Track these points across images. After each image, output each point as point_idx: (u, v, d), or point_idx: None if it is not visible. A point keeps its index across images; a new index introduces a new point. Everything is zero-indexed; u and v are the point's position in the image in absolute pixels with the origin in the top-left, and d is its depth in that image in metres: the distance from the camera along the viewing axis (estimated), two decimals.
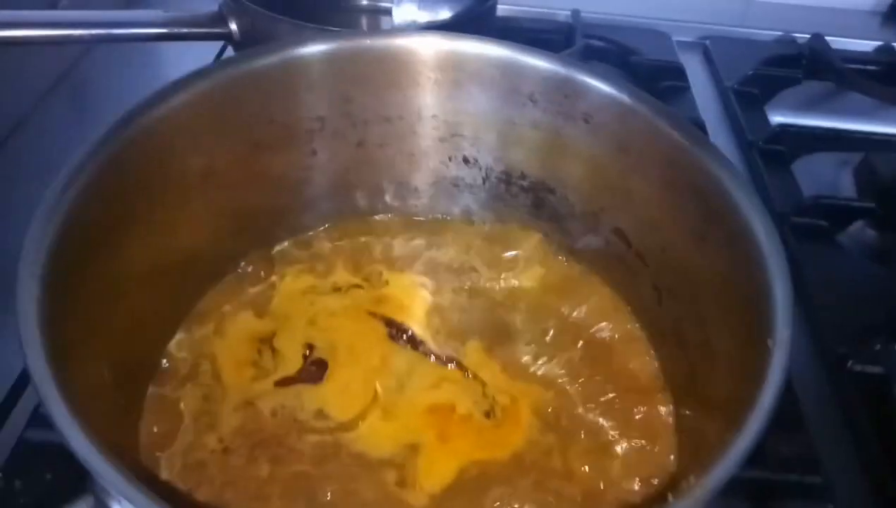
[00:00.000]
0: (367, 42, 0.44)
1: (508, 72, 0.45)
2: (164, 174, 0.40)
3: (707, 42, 0.87)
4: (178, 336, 0.44)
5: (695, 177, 0.39)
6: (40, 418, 0.43)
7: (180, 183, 0.42)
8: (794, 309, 0.31)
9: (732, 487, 0.27)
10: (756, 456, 0.43)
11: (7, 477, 0.41)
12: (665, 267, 0.43)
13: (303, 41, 0.43)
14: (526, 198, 0.50)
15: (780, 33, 0.88)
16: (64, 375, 0.28)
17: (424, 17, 0.65)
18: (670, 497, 0.26)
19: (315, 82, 0.44)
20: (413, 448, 0.41)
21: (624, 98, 0.42)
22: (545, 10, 0.86)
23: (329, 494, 0.38)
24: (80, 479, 0.41)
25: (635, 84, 0.44)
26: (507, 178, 0.50)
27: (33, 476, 0.41)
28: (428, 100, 0.47)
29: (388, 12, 0.76)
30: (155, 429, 0.40)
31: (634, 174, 0.43)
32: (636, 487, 0.39)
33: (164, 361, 0.43)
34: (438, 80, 0.46)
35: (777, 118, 0.77)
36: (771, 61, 0.81)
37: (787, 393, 0.47)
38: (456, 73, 0.46)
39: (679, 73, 0.79)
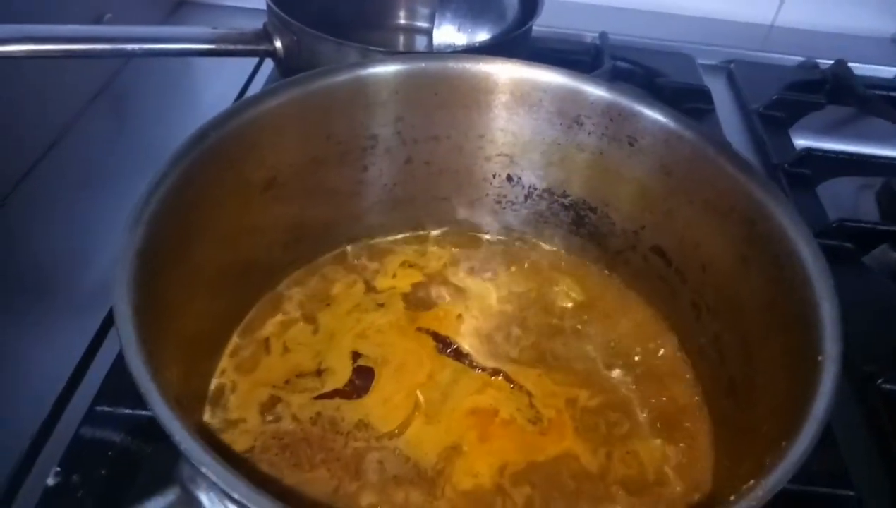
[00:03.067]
0: (422, 65, 0.46)
1: (556, 95, 0.47)
2: (228, 186, 0.42)
3: (731, 65, 0.90)
4: (234, 340, 0.46)
5: (739, 202, 0.40)
6: (95, 415, 0.45)
7: (243, 195, 0.43)
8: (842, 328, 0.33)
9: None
10: None
11: (65, 472, 0.42)
12: (705, 285, 0.44)
13: (363, 64, 0.45)
14: (566, 216, 0.52)
15: (802, 58, 0.90)
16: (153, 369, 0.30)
17: (463, 39, 0.67)
18: (732, 498, 0.27)
19: (372, 102, 0.46)
20: (454, 450, 0.42)
21: (670, 123, 0.44)
22: (573, 32, 0.88)
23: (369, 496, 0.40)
24: (133, 473, 0.44)
25: None
26: (549, 196, 0.52)
27: (89, 471, 0.42)
28: (475, 121, 0.49)
29: (425, 32, 0.79)
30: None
31: (677, 196, 0.45)
32: (677, 490, 0.41)
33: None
34: (487, 101, 0.48)
35: (801, 141, 0.78)
36: (795, 86, 0.83)
37: None
38: (504, 95, 0.48)
39: (704, 95, 0.81)
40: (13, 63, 0.58)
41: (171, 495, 0.29)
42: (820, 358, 0.32)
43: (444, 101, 0.48)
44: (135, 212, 0.34)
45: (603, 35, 0.85)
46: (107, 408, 0.45)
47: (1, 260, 0.57)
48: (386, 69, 0.45)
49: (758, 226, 0.39)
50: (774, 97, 0.81)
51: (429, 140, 0.49)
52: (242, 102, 0.41)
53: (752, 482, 0.27)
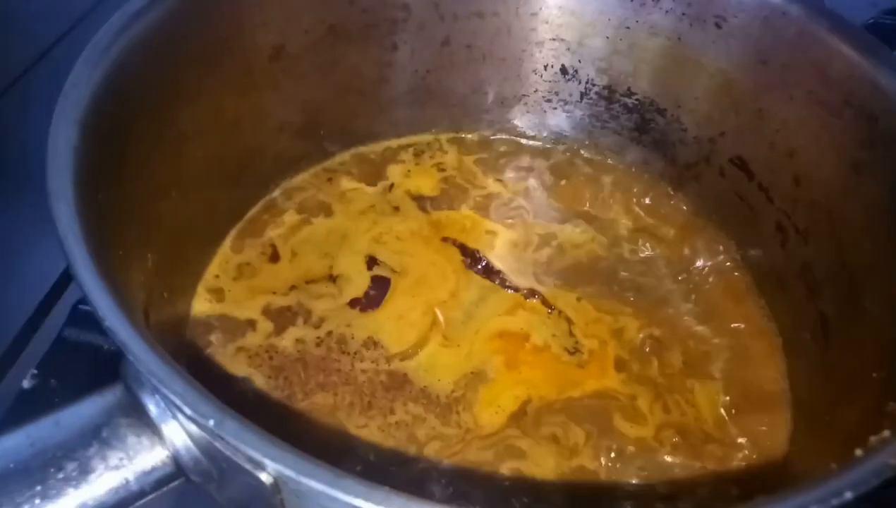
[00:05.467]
0: None
1: None
2: (227, 49, 0.36)
3: None
4: (229, 241, 0.40)
5: (858, 93, 0.32)
6: (79, 316, 0.42)
7: (245, 62, 0.37)
8: None
9: None
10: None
11: (42, 375, 0.40)
12: (797, 202, 0.37)
13: None
14: (628, 120, 0.44)
15: None
16: (101, 250, 0.24)
17: None
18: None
19: None
20: (476, 376, 0.36)
21: None
22: None
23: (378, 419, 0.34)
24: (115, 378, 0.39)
25: None
26: (610, 95, 0.44)
27: (68, 374, 0.39)
28: None
29: None
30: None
31: (773, 91, 0.37)
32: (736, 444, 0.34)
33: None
34: None
35: None
36: None
37: None
38: None
39: None
40: None
41: (110, 395, 0.23)
42: None
43: None
44: (98, 42, 0.27)
45: None
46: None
47: (3, 149, 0.53)
48: None
49: (880, 122, 0.31)
50: None
51: (472, 16, 0.42)
52: None
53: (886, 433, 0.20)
